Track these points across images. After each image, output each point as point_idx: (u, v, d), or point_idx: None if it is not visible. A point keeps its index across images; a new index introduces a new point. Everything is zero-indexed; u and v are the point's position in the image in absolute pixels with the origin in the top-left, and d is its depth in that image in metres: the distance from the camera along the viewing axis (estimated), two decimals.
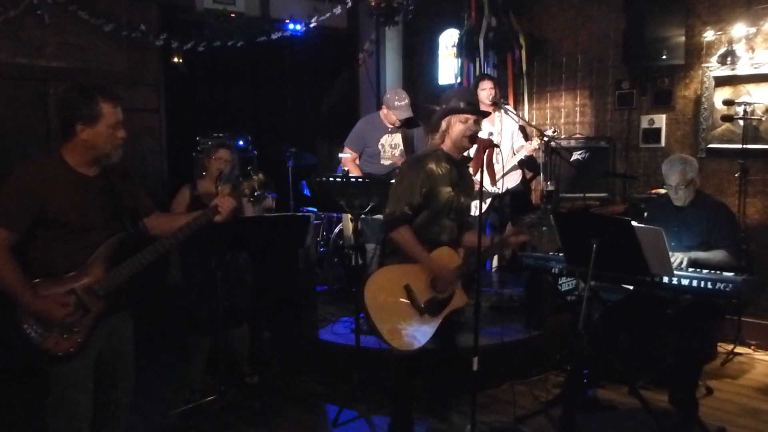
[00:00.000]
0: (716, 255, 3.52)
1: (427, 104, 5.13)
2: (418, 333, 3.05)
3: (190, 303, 3.93)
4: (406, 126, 4.77)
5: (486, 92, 5.11)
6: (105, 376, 2.61)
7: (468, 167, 3.31)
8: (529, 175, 5.86)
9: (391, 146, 4.81)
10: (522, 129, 5.45)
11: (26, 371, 3.99)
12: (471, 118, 3.08)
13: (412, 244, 3.04)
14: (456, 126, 3.08)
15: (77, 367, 2.47)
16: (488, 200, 5.11)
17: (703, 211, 3.64)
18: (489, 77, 5.35)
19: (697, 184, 3.69)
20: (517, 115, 5.38)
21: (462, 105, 3.08)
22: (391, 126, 4.77)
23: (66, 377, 2.46)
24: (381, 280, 3.08)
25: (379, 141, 4.79)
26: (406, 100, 4.66)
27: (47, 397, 2.52)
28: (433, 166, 3.09)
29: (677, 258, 3.44)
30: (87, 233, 2.47)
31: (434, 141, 3.19)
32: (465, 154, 3.30)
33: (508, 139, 5.29)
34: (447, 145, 3.16)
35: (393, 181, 3.32)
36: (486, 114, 3.23)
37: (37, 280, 2.41)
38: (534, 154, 5.31)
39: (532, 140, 5.13)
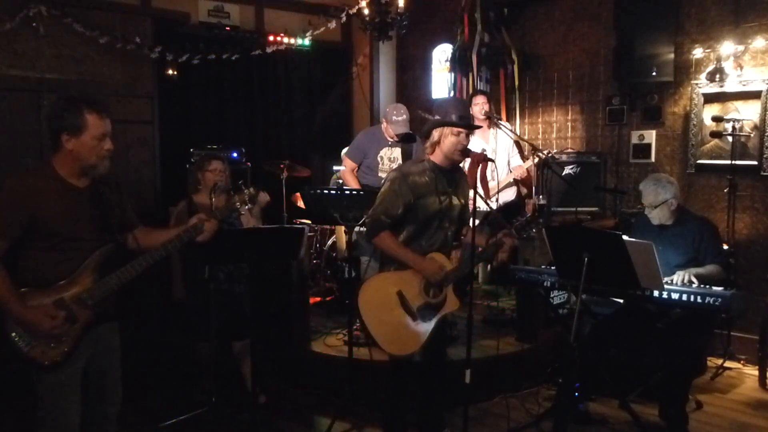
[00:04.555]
0: (712, 270, 3.58)
1: (420, 111, 5.16)
2: (412, 338, 3.08)
3: (194, 313, 3.93)
4: (403, 141, 4.77)
5: (479, 107, 5.15)
6: (92, 387, 2.59)
7: (461, 171, 3.33)
8: (524, 191, 5.88)
9: (389, 159, 4.81)
10: (517, 144, 5.48)
11: (15, 384, 3.95)
12: (463, 131, 3.10)
13: (394, 246, 3.10)
14: (448, 138, 3.08)
15: (65, 377, 2.45)
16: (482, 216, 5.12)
17: (687, 229, 3.68)
18: (482, 92, 5.39)
19: (674, 205, 3.71)
20: (512, 131, 5.40)
21: (455, 118, 3.09)
22: (391, 139, 4.77)
23: (54, 387, 2.45)
24: (374, 287, 3.12)
25: (378, 153, 4.79)
26: (404, 116, 4.61)
27: (36, 410, 2.49)
28: (417, 178, 3.09)
29: (680, 275, 3.47)
30: (77, 243, 2.46)
31: (424, 151, 3.20)
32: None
33: (504, 155, 5.31)
34: (437, 156, 3.15)
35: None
36: (477, 128, 3.25)
37: (26, 289, 2.40)
38: (528, 173, 5.32)
39: (526, 160, 5.15)
